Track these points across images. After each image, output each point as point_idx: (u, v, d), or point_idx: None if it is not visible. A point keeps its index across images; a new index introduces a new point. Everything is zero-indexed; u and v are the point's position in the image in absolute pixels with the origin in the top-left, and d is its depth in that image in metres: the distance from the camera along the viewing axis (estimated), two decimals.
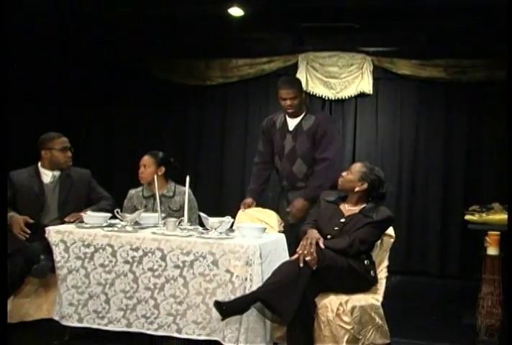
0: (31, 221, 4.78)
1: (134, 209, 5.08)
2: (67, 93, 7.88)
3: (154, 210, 5.00)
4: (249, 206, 5.38)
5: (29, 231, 4.73)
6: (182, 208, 4.83)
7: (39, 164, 5.10)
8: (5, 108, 3.84)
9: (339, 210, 4.38)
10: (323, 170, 5.14)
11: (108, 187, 5.37)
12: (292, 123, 5.37)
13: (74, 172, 5.17)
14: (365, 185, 4.32)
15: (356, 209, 4.33)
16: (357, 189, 4.33)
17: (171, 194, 5.19)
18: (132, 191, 5.34)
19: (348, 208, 4.37)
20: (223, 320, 4.01)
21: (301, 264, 3.92)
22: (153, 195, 5.06)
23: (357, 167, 4.41)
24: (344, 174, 4.42)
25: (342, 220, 4.30)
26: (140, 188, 5.31)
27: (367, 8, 6.63)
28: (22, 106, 7.19)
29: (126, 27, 7.29)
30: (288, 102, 5.23)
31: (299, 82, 5.50)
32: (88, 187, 5.19)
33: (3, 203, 3.62)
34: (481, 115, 7.43)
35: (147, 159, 5.21)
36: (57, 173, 5.09)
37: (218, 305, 3.97)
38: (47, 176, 5.07)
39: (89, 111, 8.41)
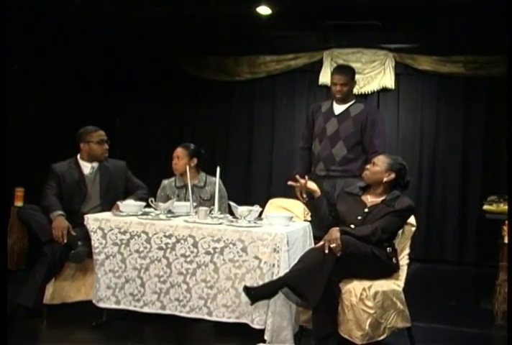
0: (73, 233, 4.65)
1: (167, 198, 5.07)
2: (104, 88, 7.90)
3: (186, 200, 4.99)
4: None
5: (65, 241, 4.62)
6: (212, 197, 4.83)
7: (78, 156, 5.10)
8: (4, 107, 3.83)
9: (362, 201, 4.33)
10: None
11: (142, 178, 5.35)
12: (339, 108, 5.40)
13: (110, 163, 5.18)
14: (393, 175, 4.27)
15: (378, 200, 4.28)
16: (385, 179, 4.27)
17: (202, 184, 5.18)
18: (165, 181, 5.33)
19: (371, 200, 4.31)
20: (252, 304, 4.01)
21: (326, 251, 3.88)
22: (185, 185, 5.05)
23: (382, 158, 4.35)
24: (368, 167, 4.37)
25: (366, 210, 4.25)
26: (173, 179, 5.30)
27: (389, 7, 6.59)
28: (60, 101, 7.23)
29: (161, 26, 7.30)
30: (338, 87, 5.32)
31: (353, 71, 5.52)
32: (124, 177, 5.19)
33: (4, 201, 3.57)
34: (498, 108, 7.30)
35: (180, 151, 5.19)
36: (95, 164, 5.09)
37: (247, 290, 3.98)
38: (87, 167, 5.07)
39: (124, 107, 8.43)
